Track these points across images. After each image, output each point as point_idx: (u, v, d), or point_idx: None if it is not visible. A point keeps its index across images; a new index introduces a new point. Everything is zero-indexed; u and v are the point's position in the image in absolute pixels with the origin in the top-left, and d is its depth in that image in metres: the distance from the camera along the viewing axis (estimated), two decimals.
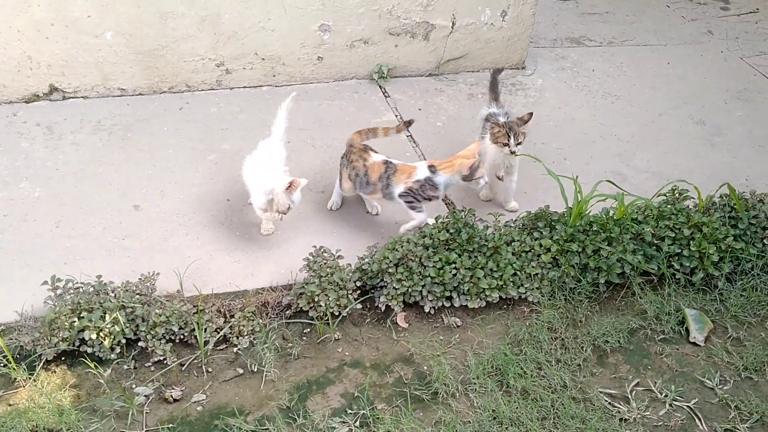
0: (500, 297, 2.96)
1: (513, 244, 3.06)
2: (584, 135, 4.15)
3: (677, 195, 3.35)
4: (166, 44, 4.00)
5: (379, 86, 4.43)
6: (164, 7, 3.89)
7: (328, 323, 2.82)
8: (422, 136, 3.97)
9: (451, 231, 3.03)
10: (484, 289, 2.92)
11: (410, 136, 3.96)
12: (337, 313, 2.84)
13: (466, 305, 2.94)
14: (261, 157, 3.16)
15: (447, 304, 2.95)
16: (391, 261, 2.92)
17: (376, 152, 3.26)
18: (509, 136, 3.22)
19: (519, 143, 3.25)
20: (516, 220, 3.23)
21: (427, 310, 2.93)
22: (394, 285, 2.89)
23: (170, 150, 3.73)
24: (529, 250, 3.04)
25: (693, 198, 3.34)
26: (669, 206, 3.26)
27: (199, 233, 3.24)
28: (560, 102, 4.46)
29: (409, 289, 2.90)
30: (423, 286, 2.90)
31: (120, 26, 3.88)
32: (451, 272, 2.91)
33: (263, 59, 4.22)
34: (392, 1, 4.23)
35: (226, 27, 4.05)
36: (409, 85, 4.48)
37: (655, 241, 3.12)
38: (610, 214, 3.18)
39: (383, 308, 2.93)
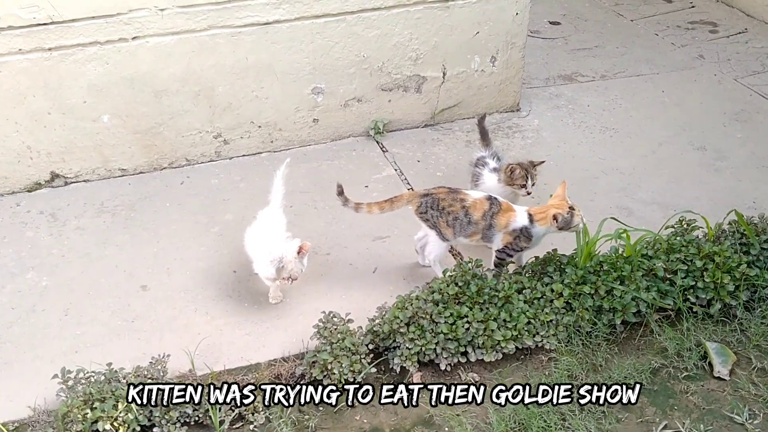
0: (516, 347, 2.90)
1: (524, 291, 3.01)
2: (586, 171, 4.14)
3: (686, 226, 3.31)
4: (162, 121, 4.05)
5: (377, 141, 4.45)
6: (158, 86, 3.94)
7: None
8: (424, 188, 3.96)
9: (460, 284, 2.99)
10: (498, 341, 2.87)
11: (411, 189, 3.95)
12: (351, 379, 2.79)
13: (482, 359, 2.88)
14: (262, 227, 3.16)
15: (463, 360, 2.89)
16: (401, 320, 2.88)
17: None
18: (527, 178, 3.37)
19: (533, 184, 3.42)
20: (525, 266, 3.20)
21: (443, 368, 2.88)
22: (407, 345, 2.84)
23: (174, 226, 3.74)
24: (541, 297, 3.00)
25: (702, 227, 3.30)
26: (678, 238, 3.22)
27: (208, 308, 3.22)
28: (558, 140, 4.46)
29: (423, 348, 2.84)
30: (436, 343, 2.85)
31: (116, 108, 3.93)
32: (463, 326, 2.87)
33: (260, 127, 4.26)
34: (382, 58, 4.27)
35: (220, 99, 4.09)
36: (406, 138, 4.49)
37: (668, 276, 3.07)
38: (620, 252, 3.14)
39: (398, 369, 2.88)
